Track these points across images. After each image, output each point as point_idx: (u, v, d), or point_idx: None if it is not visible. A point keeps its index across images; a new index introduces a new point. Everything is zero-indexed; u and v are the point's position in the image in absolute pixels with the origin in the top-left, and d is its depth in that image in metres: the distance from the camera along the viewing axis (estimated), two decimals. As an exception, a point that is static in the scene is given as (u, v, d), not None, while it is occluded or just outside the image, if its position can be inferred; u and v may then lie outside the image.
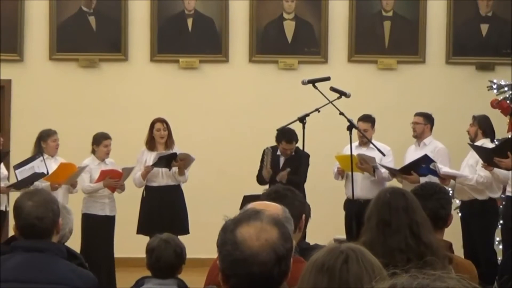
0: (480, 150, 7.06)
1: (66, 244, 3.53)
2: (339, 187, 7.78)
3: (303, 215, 3.19)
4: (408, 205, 3.18)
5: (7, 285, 3.03)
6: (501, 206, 7.42)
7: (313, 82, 6.89)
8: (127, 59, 9.16)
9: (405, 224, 3.12)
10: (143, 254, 4.14)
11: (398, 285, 1.43)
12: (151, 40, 9.14)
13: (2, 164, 7.52)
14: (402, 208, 3.16)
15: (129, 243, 7.56)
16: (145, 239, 5.82)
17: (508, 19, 8.86)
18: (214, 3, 9.12)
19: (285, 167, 7.58)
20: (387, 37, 9.17)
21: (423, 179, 6.81)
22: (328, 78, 6.97)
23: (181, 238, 4.74)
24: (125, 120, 8.97)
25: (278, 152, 7.66)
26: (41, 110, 8.97)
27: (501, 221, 7.28)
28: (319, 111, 6.72)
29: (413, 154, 7.55)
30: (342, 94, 6.87)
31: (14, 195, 5.95)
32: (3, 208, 7.45)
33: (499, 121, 7.71)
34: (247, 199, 4.97)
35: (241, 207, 3.95)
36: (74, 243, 4.89)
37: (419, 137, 7.66)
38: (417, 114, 7.75)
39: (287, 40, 9.17)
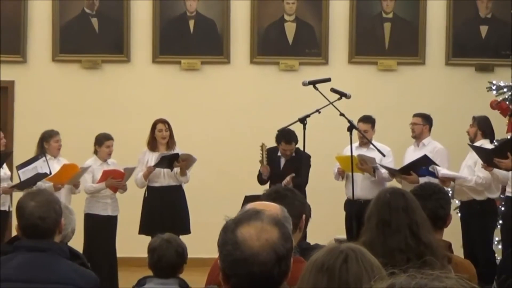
0: (480, 151, 7.06)
1: (68, 244, 3.52)
2: (339, 187, 7.80)
3: (303, 215, 3.19)
4: (408, 205, 3.19)
5: (10, 285, 3.04)
6: (500, 207, 7.46)
7: (313, 83, 6.86)
8: (129, 61, 9.19)
9: (404, 224, 3.13)
10: (145, 254, 4.15)
11: (396, 284, 1.43)
12: (153, 42, 9.16)
13: (5, 164, 7.53)
14: (402, 208, 3.17)
15: (131, 243, 7.59)
16: (147, 239, 5.84)
17: (507, 21, 8.84)
18: (215, 4, 9.13)
19: (286, 168, 7.60)
20: (387, 39, 9.19)
21: (422, 179, 6.82)
22: (328, 79, 6.95)
23: (183, 238, 4.77)
24: (127, 120, 8.98)
25: (279, 153, 7.71)
26: (43, 111, 9.00)
27: (501, 221, 7.29)
28: (319, 112, 6.70)
29: (412, 154, 7.57)
30: (342, 95, 6.85)
31: (17, 195, 5.91)
32: (6, 208, 7.43)
33: (498, 122, 7.72)
34: (248, 199, 4.98)
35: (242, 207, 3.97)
36: (77, 243, 4.90)
37: (418, 137, 7.68)
38: (415, 115, 7.76)
39: (288, 41, 9.19)
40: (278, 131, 7.54)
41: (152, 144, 7.81)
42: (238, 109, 9.16)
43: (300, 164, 7.38)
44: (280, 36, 9.19)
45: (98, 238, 7.49)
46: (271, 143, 7.72)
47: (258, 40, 9.19)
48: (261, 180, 7.62)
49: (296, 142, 7.50)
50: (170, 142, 7.85)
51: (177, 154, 7.63)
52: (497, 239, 7.45)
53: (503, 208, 7.34)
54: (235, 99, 9.19)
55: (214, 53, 9.18)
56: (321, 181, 8.05)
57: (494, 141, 7.44)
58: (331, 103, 6.73)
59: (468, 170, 7.32)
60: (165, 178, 7.74)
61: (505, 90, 7.92)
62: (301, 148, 7.17)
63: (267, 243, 2.03)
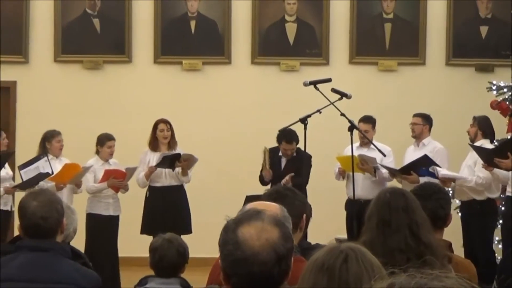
0: (480, 151, 7.07)
1: (70, 243, 3.53)
2: (340, 187, 7.81)
3: (304, 215, 3.19)
4: (408, 205, 3.20)
5: (12, 285, 3.05)
6: (500, 206, 7.48)
7: (314, 83, 6.86)
8: (131, 61, 9.21)
9: (404, 224, 3.13)
10: (146, 254, 4.16)
11: (396, 284, 1.43)
12: (154, 42, 9.18)
13: (7, 164, 7.54)
14: (402, 208, 3.17)
15: (133, 243, 7.60)
16: (148, 239, 5.85)
17: (507, 21, 8.84)
18: (216, 5, 9.15)
19: (286, 168, 7.62)
20: (388, 39, 9.19)
21: (422, 179, 6.83)
22: (329, 80, 6.95)
23: (184, 237, 4.76)
24: (129, 121, 9.00)
25: (280, 153, 7.73)
26: (45, 111, 9.02)
27: (501, 221, 7.30)
28: (320, 112, 6.70)
29: (412, 154, 7.57)
30: (343, 95, 6.85)
31: (19, 195, 5.92)
32: (8, 208, 7.45)
33: (498, 122, 7.74)
34: (250, 199, 5.00)
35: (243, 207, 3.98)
36: (79, 242, 4.93)
37: (418, 137, 7.69)
38: (415, 115, 7.77)
39: (289, 42, 9.20)
40: (279, 131, 7.56)
41: (154, 144, 7.83)
42: (239, 109, 9.17)
43: (301, 164, 7.37)
44: (281, 36, 9.21)
45: (100, 238, 7.51)
46: (272, 143, 7.74)
47: (259, 40, 9.20)
48: (262, 181, 7.64)
49: (297, 142, 7.51)
50: (172, 142, 7.86)
51: (179, 154, 7.65)
52: (497, 238, 7.46)
53: (503, 208, 7.36)
54: (236, 99, 9.21)
55: (215, 53, 9.20)
56: (322, 181, 8.06)
57: (494, 141, 7.46)
58: (332, 103, 6.73)
59: (468, 170, 7.33)
60: (166, 178, 7.75)
61: (505, 90, 7.93)
62: (302, 148, 7.17)
63: (267, 243, 2.04)
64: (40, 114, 8.99)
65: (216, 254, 2.16)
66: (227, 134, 9.13)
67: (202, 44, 9.18)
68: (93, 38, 9.15)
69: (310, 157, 7.53)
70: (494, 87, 8.01)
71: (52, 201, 3.19)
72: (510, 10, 8.42)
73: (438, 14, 9.21)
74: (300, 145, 7.35)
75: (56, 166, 7.45)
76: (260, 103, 9.15)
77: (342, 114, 6.69)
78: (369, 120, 7.80)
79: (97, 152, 7.77)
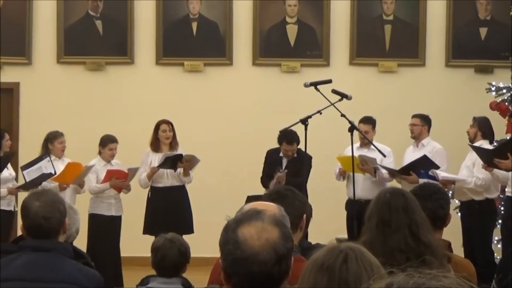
0: (480, 151, 7.08)
1: (73, 243, 3.54)
2: (340, 187, 7.83)
3: (304, 215, 3.20)
4: (408, 205, 3.20)
5: (14, 284, 3.06)
6: (499, 206, 7.51)
7: (315, 84, 6.84)
8: (133, 62, 9.23)
9: (404, 224, 3.14)
10: (148, 253, 4.17)
11: (394, 284, 1.42)
12: (156, 44, 9.20)
13: (9, 165, 7.55)
14: (402, 208, 3.18)
15: (135, 243, 7.61)
16: (150, 238, 5.86)
17: (506, 23, 8.80)
18: (218, 7, 9.16)
19: (287, 169, 7.57)
20: (388, 41, 9.21)
21: (422, 180, 6.85)
22: (330, 81, 6.94)
23: (186, 237, 4.72)
24: (131, 121, 9.01)
25: (281, 154, 7.76)
26: (48, 112, 9.04)
27: (500, 221, 7.32)
28: (321, 113, 6.68)
29: (411, 155, 7.59)
30: (343, 96, 6.83)
31: (22, 195, 5.93)
32: (11, 208, 7.46)
33: (498, 123, 7.75)
34: (251, 199, 5.01)
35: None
36: (81, 243, 4.96)
37: (417, 138, 7.70)
38: (414, 116, 7.79)
39: (289, 43, 9.22)
40: (280, 132, 7.58)
41: (155, 145, 7.85)
42: (240, 110, 9.19)
43: (302, 164, 7.37)
44: (282, 38, 9.22)
45: (102, 238, 7.53)
46: (273, 144, 7.78)
47: (260, 42, 9.21)
48: (265, 185, 7.61)
49: (298, 143, 7.53)
50: (173, 143, 7.88)
51: (181, 154, 7.67)
52: (496, 238, 7.48)
53: (502, 208, 7.39)
54: (237, 100, 9.22)
55: (216, 55, 9.21)
56: (322, 181, 8.08)
57: (494, 142, 7.48)
58: (332, 104, 6.72)
59: (467, 171, 7.35)
60: (168, 178, 7.77)
61: (504, 91, 7.93)
62: (303, 149, 7.17)
63: (267, 243, 2.04)
64: (43, 115, 9.01)
65: (217, 254, 2.17)
66: (228, 134, 9.15)
67: (203, 46, 9.20)
68: (95, 39, 9.17)
69: (310, 158, 7.55)
70: (493, 88, 8.02)
71: (54, 202, 3.20)
72: (509, 12, 8.43)
73: (438, 16, 9.22)
74: (301, 146, 7.35)
75: (59, 166, 7.47)
76: (261, 104, 9.17)
77: (343, 115, 6.69)
78: (369, 121, 7.81)
79: (100, 153, 7.80)
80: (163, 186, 7.80)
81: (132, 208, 7.85)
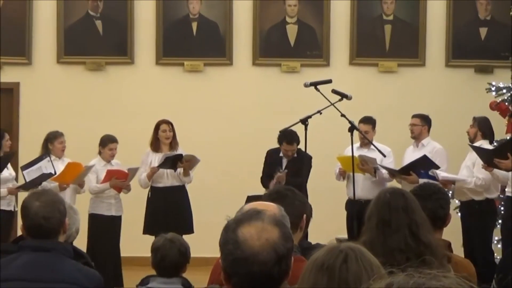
0: (480, 151, 7.09)
1: (73, 243, 3.54)
2: (340, 187, 7.83)
3: (304, 215, 3.20)
4: (408, 205, 3.20)
5: (14, 284, 3.06)
6: (499, 206, 7.51)
7: (315, 84, 6.85)
8: (133, 62, 9.24)
9: (404, 224, 3.14)
10: (148, 253, 4.17)
11: (394, 284, 1.42)
12: (156, 44, 9.21)
13: (9, 165, 7.56)
14: (402, 208, 3.18)
15: (135, 243, 7.61)
16: (150, 238, 5.86)
17: (506, 23, 8.81)
18: (218, 7, 9.17)
19: (287, 169, 7.58)
20: (388, 41, 9.22)
21: (422, 180, 6.85)
22: (330, 81, 6.94)
23: (186, 237, 4.72)
24: (130, 121, 9.02)
25: (281, 154, 7.76)
26: (48, 112, 9.04)
27: (500, 221, 7.32)
28: (321, 113, 6.69)
29: (411, 155, 7.60)
30: (343, 96, 6.84)
31: (22, 195, 5.93)
32: (11, 208, 7.46)
33: (498, 123, 7.76)
34: (251, 199, 5.02)
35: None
36: (81, 243, 4.96)
37: (417, 138, 7.71)
38: (414, 116, 7.79)
39: (289, 43, 9.22)
40: (280, 132, 7.58)
41: (155, 145, 7.86)
42: (240, 110, 9.20)
43: (302, 164, 7.38)
44: (282, 38, 9.23)
45: (102, 238, 7.54)
46: (273, 144, 7.78)
47: (260, 42, 9.22)
48: (265, 185, 7.63)
49: (298, 143, 7.53)
50: (173, 143, 7.89)
51: (181, 154, 7.68)
52: (496, 238, 7.48)
53: (502, 208, 7.40)
54: (237, 100, 9.23)
55: (216, 55, 9.22)
56: (322, 181, 8.09)
57: (494, 142, 7.49)
58: (332, 104, 6.72)
59: (467, 171, 7.36)
60: (168, 178, 7.78)
61: (504, 91, 7.94)
62: (303, 149, 7.17)
63: (267, 243, 2.04)
64: (43, 115, 9.02)
65: (217, 254, 2.17)
66: (228, 134, 9.16)
67: (203, 46, 9.21)
68: (95, 39, 9.18)
69: (310, 158, 7.55)
70: (493, 88, 8.02)
71: (54, 202, 3.20)
72: (509, 12, 8.44)
73: (438, 16, 9.23)
74: (301, 146, 7.35)
75: (59, 166, 7.48)
76: (261, 104, 9.18)
77: (343, 115, 6.70)
78: (369, 121, 7.81)
79: (100, 153, 7.81)
80: (163, 186, 7.81)
81: (132, 208, 7.86)
